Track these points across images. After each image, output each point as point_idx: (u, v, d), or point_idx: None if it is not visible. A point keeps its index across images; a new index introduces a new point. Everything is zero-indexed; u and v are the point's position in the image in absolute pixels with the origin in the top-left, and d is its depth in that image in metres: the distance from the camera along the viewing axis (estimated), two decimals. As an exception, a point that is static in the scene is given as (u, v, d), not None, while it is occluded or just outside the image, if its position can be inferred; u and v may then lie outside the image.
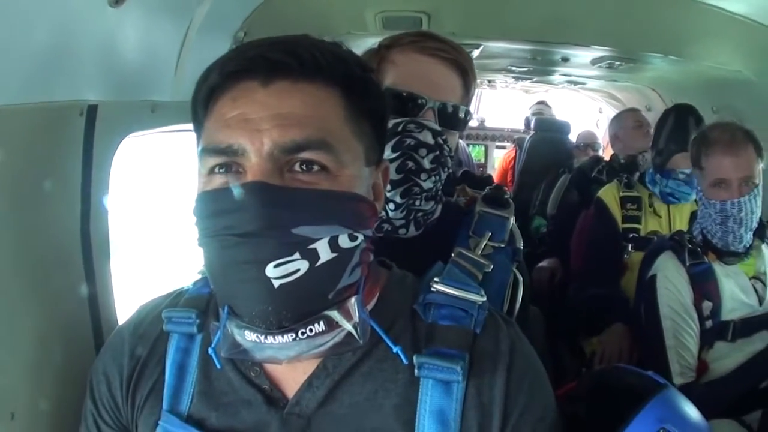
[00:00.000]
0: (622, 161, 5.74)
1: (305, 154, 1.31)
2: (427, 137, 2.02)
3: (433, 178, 2.06)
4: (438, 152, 2.05)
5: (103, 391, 1.65)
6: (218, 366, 1.53)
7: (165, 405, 1.59)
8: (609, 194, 4.88)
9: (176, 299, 1.72)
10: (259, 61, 1.34)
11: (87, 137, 1.98)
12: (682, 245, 3.57)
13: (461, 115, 2.16)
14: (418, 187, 2.05)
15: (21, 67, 1.64)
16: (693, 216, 4.60)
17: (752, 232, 3.43)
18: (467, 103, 2.20)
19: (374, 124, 1.50)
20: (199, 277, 1.77)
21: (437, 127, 2.05)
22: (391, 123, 1.91)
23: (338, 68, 1.40)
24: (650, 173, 4.76)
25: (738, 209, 3.30)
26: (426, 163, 2.03)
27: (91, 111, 1.97)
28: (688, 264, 3.51)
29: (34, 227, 1.82)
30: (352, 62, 1.47)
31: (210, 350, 1.50)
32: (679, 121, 4.45)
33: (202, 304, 1.66)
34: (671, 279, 3.52)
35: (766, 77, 4.08)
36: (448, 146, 2.09)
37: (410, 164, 2.01)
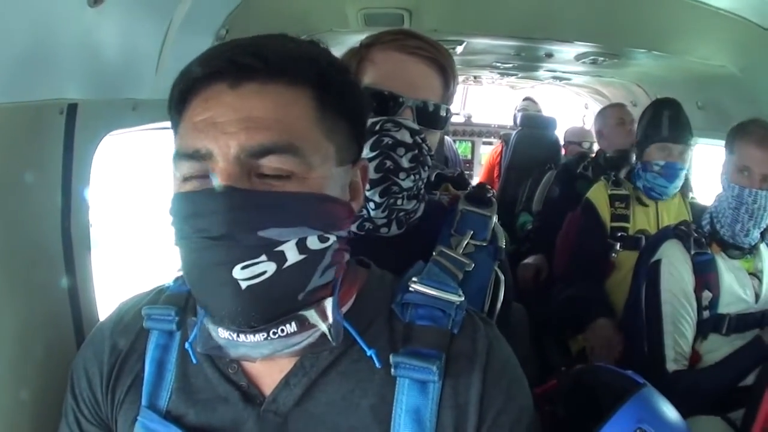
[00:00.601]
0: (608, 156, 5.76)
1: (272, 158, 1.32)
2: (405, 136, 2.03)
3: (412, 177, 2.06)
4: (417, 151, 2.05)
5: (83, 387, 1.66)
6: (194, 361, 1.55)
7: (144, 401, 1.60)
8: (598, 194, 4.86)
9: (157, 296, 1.73)
10: (226, 64, 1.34)
11: (68, 135, 1.98)
12: (688, 234, 3.61)
13: (441, 113, 2.16)
14: (397, 186, 2.05)
15: (1, 67, 1.64)
16: (683, 213, 4.66)
17: (760, 232, 3.48)
18: (447, 101, 2.21)
19: (351, 123, 1.50)
20: (179, 274, 1.75)
21: (415, 126, 2.05)
22: (369, 122, 1.91)
23: (308, 68, 1.40)
24: (636, 169, 4.78)
25: (753, 200, 3.35)
26: (404, 162, 2.03)
27: (72, 109, 1.97)
28: (692, 253, 3.55)
29: (15, 224, 1.82)
30: (323, 61, 1.46)
31: (187, 345, 1.52)
32: (655, 114, 4.50)
33: (182, 302, 1.67)
34: (676, 265, 3.55)
35: (750, 72, 4.09)
36: (427, 145, 2.09)
37: (388, 163, 2.02)
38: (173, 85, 1.44)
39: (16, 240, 1.84)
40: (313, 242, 1.37)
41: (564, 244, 5.32)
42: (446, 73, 2.16)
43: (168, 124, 1.49)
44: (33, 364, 1.88)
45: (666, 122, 4.38)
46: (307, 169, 1.35)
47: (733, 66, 4.13)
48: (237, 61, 1.33)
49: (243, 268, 1.28)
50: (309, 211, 1.36)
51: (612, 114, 6.01)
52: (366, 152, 1.95)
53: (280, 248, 1.31)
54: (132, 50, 2.32)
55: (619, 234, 4.74)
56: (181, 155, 1.35)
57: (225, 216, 1.27)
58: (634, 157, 5.22)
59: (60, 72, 1.91)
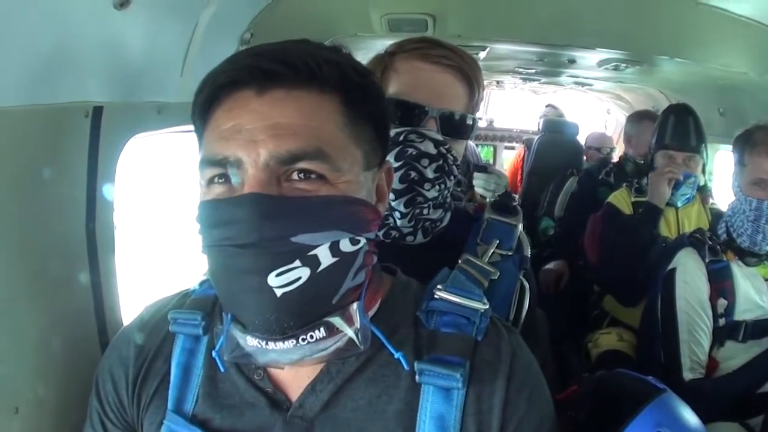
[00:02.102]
0: (638, 161, 5.70)
1: (302, 164, 1.32)
2: (429, 147, 2.02)
3: (437, 188, 2.06)
4: (441, 161, 2.04)
5: (109, 390, 1.65)
6: (222, 369, 1.54)
7: (170, 405, 1.60)
8: (620, 199, 4.85)
9: (182, 300, 1.72)
10: (251, 71, 1.34)
11: (93, 138, 1.99)
12: (702, 242, 3.58)
13: (466, 122, 2.14)
14: (422, 197, 2.05)
15: (27, 69, 1.66)
16: (703, 220, 4.62)
17: None
18: (473, 110, 2.18)
19: (375, 127, 1.50)
20: (204, 277, 1.76)
21: (439, 137, 2.04)
22: (393, 132, 1.93)
23: (333, 74, 1.40)
24: None
25: None
26: (429, 173, 2.03)
27: (97, 112, 1.98)
28: (707, 261, 3.52)
29: (41, 225, 1.84)
30: (348, 67, 1.46)
31: (214, 354, 1.51)
32: (662, 120, 4.50)
33: (208, 306, 1.66)
34: (690, 273, 3.52)
35: (771, 79, 4.08)
36: (452, 155, 2.08)
37: (413, 174, 2.02)
38: (197, 92, 1.44)
39: (42, 241, 1.85)
40: (345, 245, 1.37)
41: (591, 235, 5.23)
42: (471, 81, 2.14)
43: (192, 127, 1.48)
44: (56, 364, 1.89)
45: (670, 130, 4.39)
46: (336, 173, 1.35)
47: (755, 73, 4.11)
48: (263, 68, 1.33)
49: (278, 275, 1.29)
50: (340, 215, 1.37)
51: (649, 129, 5.79)
52: (390, 162, 1.92)
53: (313, 252, 1.32)
54: (157, 53, 2.33)
55: None
56: (208, 162, 1.35)
57: (256, 223, 1.27)
58: None
59: (86, 75, 1.92)
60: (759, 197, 3.32)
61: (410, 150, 2.00)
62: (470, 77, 2.13)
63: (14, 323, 1.75)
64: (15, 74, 1.62)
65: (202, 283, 1.75)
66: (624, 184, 4.99)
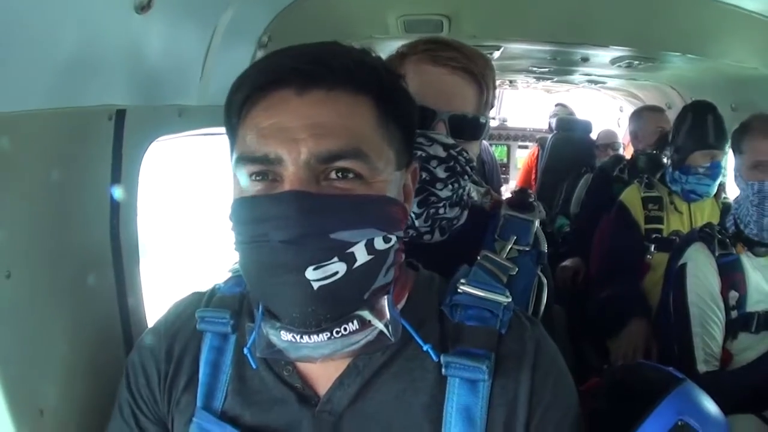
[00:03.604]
0: (649, 154, 5.70)
1: (341, 163, 1.35)
2: (438, 151, 2.04)
3: (450, 187, 2.08)
4: (452, 162, 2.06)
5: (141, 384, 1.69)
6: (254, 366, 1.56)
7: (199, 402, 1.63)
8: (631, 196, 4.87)
9: (209, 298, 1.75)
10: (292, 71, 1.36)
11: (116, 141, 2.01)
12: (711, 236, 3.60)
13: (476, 124, 2.16)
14: (435, 197, 2.07)
15: (50, 73, 1.68)
16: (723, 211, 4.66)
17: None
18: (483, 110, 2.20)
19: (404, 129, 1.53)
20: (230, 275, 1.80)
21: (448, 140, 2.06)
22: None
23: (369, 76, 1.43)
24: (669, 171, 4.77)
25: None
26: (440, 173, 2.05)
27: (120, 115, 2.00)
28: (717, 254, 3.54)
29: (65, 230, 1.86)
30: (382, 69, 1.49)
31: (245, 350, 1.53)
32: (698, 119, 4.44)
33: (236, 304, 1.69)
34: (701, 267, 3.55)
35: (783, 75, 4.09)
36: (464, 156, 2.09)
37: (424, 175, 2.03)
38: (232, 90, 1.46)
39: (67, 244, 1.88)
40: (379, 243, 1.40)
41: (599, 244, 5.33)
42: (480, 82, 2.15)
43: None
44: (82, 369, 1.91)
45: (711, 131, 4.35)
46: (373, 172, 1.39)
47: (766, 68, 4.12)
48: (303, 69, 1.36)
49: (315, 269, 1.31)
50: (375, 213, 1.40)
51: (651, 120, 5.98)
52: None
53: (350, 250, 1.35)
54: (177, 57, 2.35)
55: (654, 236, 4.75)
56: (247, 159, 1.37)
57: (297, 220, 1.30)
58: (665, 160, 5.25)
59: (108, 78, 1.95)
60: (760, 179, 3.36)
61: (419, 153, 2.02)
62: (479, 78, 2.15)
63: (39, 327, 1.77)
64: (39, 78, 1.65)
65: (227, 281, 1.78)
66: (635, 180, 5.00)
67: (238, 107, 1.44)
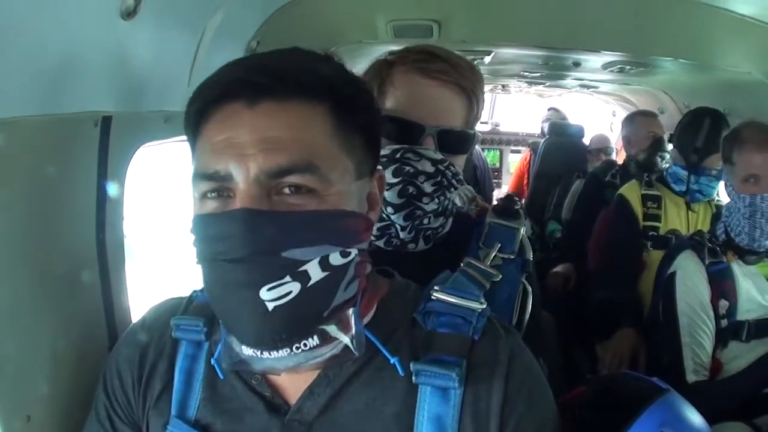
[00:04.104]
0: (640, 160, 5.71)
1: (291, 178, 1.33)
2: (426, 166, 2.03)
3: (436, 200, 2.07)
4: (439, 177, 2.05)
5: (116, 386, 1.69)
6: (221, 377, 1.57)
7: (173, 410, 1.63)
8: (631, 191, 4.91)
9: (187, 305, 1.75)
10: (241, 84, 1.36)
11: (102, 147, 2.00)
12: (702, 244, 3.61)
13: (464, 138, 2.15)
14: (421, 211, 2.06)
15: (35, 79, 1.67)
16: (713, 217, 4.71)
17: None
18: (471, 124, 2.19)
19: (365, 136, 1.51)
20: None
21: (436, 156, 2.05)
22: (390, 149, 1.97)
23: (321, 85, 1.41)
24: (673, 172, 4.82)
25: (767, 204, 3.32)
26: (427, 188, 2.03)
27: (106, 121, 2.00)
28: (707, 263, 3.54)
29: (51, 237, 1.85)
30: (336, 77, 1.47)
31: (213, 361, 1.55)
32: (716, 125, 4.50)
33: (210, 312, 1.65)
34: (690, 276, 3.55)
35: (776, 79, 4.09)
36: (451, 170, 2.08)
37: (411, 189, 2.02)
38: (188, 104, 1.46)
39: (53, 250, 1.87)
40: (335, 258, 1.38)
41: (597, 240, 5.34)
42: (470, 96, 2.14)
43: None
44: (68, 375, 1.91)
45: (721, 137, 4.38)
46: (326, 186, 1.36)
47: (759, 73, 4.12)
48: (252, 81, 1.35)
49: (269, 289, 1.30)
50: (330, 229, 1.38)
51: (643, 124, 5.96)
52: (388, 177, 1.96)
53: (303, 268, 1.33)
54: (164, 63, 2.34)
55: (651, 233, 4.79)
56: (200, 176, 1.37)
57: (247, 238, 1.29)
58: (661, 162, 5.34)
59: (94, 84, 1.93)
60: (752, 192, 3.35)
61: (407, 168, 2.01)
62: (469, 92, 2.13)
63: (25, 333, 1.76)
64: (24, 85, 1.63)
65: (204, 289, 1.77)
66: (635, 179, 5.06)
67: (193, 122, 1.45)
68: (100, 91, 1.98)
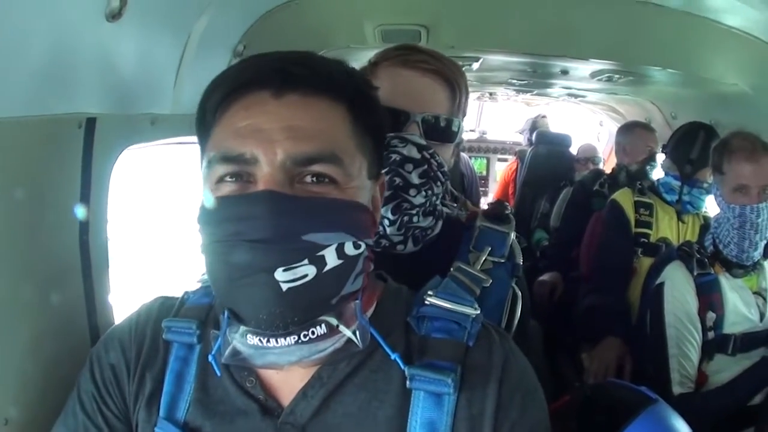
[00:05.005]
0: (632, 170, 5.75)
1: (316, 167, 1.36)
2: (412, 152, 2.04)
3: (423, 193, 2.08)
4: (426, 166, 2.06)
5: (108, 379, 1.67)
6: (218, 373, 1.56)
7: (162, 412, 1.62)
8: (624, 198, 4.93)
9: (178, 307, 1.74)
10: (273, 72, 1.38)
11: (86, 149, 1.99)
12: (690, 255, 3.62)
13: (448, 126, 2.16)
14: (408, 203, 2.06)
15: (19, 81, 1.66)
16: (702, 228, 4.72)
17: (763, 245, 3.46)
18: (456, 113, 2.21)
19: (375, 140, 1.54)
20: (199, 285, 1.80)
21: (422, 141, 2.06)
22: None
23: (346, 84, 1.45)
24: (665, 182, 4.86)
25: (757, 215, 3.35)
26: (414, 178, 2.05)
27: (90, 123, 1.99)
28: (695, 274, 3.55)
29: (34, 239, 1.84)
30: (358, 79, 1.52)
31: (210, 357, 1.53)
32: (709, 138, 4.52)
33: (203, 315, 1.68)
34: (679, 288, 3.57)
35: (761, 90, 4.11)
36: (437, 160, 2.10)
37: (398, 180, 2.03)
38: (210, 89, 1.47)
39: (35, 252, 1.86)
40: (349, 248, 1.40)
41: (589, 245, 5.36)
42: (453, 85, 2.17)
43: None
44: (48, 378, 1.90)
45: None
46: (347, 178, 1.40)
47: (745, 84, 4.14)
48: (285, 70, 1.37)
49: (285, 270, 1.31)
50: (347, 219, 1.41)
51: (643, 137, 5.96)
52: None
53: (321, 252, 1.35)
54: (150, 65, 2.33)
55: (642, 240, 4.80)
56: (222, 159, 1.37)
57: (270, 220, 1.30)
58: (652, 173, 5.37)
59: (78, 86, 1.93)
60: (741, 203, 3.38)
61: (394, 156, 2.03)
62: (452, 81, 2.17)
63: (4, 338, 1.76)
64: (7, 86, 1.62)
65: (195, 292, 1.77)
66: (627, 186, 5.08)
67: (214, 106, 1.45)
68: (85, 93, 1.97)
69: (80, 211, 2.01)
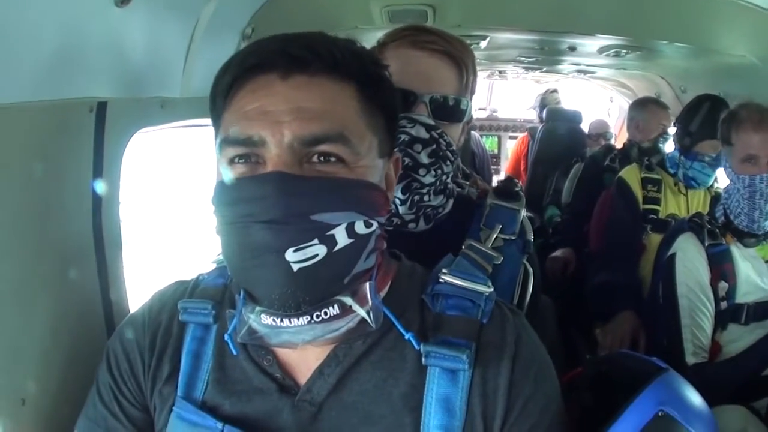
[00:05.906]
0: (644, 147, 5.73)
1: (324, 147, 1.37)
2: (421, 132, 2.05)
3: (433, 173, 2.08)
4: (435, 146, 2.07)
5: (125, 369, 1.69)
6: (234, 352, 1.57)
7: (180, 392, 1.63)
8: (631, 175, 4.91)
9: (193, 289, 1.76)
10: (278, 55, 1.39)
11: (98, 133, 2.01)
12: (701, 226, 3.60)
13: (457, 106, 2.16)
14: (418, 183, 2.07)
15: (31, 66, 1.68)
16: (712, 201, 4.71)
17: None
18: (464, 93, 2.20)
19: (386, 118, 1.55)
20: (213, 266, 1.81)
21: (430, 121, 2.07)
22: None
23: (353, 64, 1.45)
24: (672, 156, 4.83)
25: (766, 184, 3.31)
26: (423, 158, 2.05)
27: (101, 108, 2.00)
28: (706, 244, 3.54)
29: (47, 222, 1.86)
30: (366, 58, 1.52)
31: (226, 336, 1.54)
32: (714, 111, 4.43)
33: (218, 295, 1.70)
34: (690, 258, 3.54)
35: (769, 62, 4.09)
36: (445, 139, 2.10)
37: (407, 160, 2.03)
38: (220, 73, 1.48)
39: (48, 236, 1.88)
40: (360, 227, 1.41)
41: (598, 223, 5.34)
42: (460, 65, 2.17)
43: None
44: (64, 358, 1.92)
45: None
46: (355, 157, 1.40)
47: (753, 56, 4.12)
48: (290, 53, 1.38)
49: (295, 250, 1.32)
50: (357, 197, 1.41)
51: (657, 114, 5.92)
52: None
53: (331, 232, 1.36)
54: (159, 49, 2.35)
55: (650, 216, 4.78)
56: (231, 142, 1.39)
57: (279, 201, 1.31)
58: (665, 146, 5.36)
59: (89, 71, 1.94)
60: (751, 173, 3.35)
61: (402, 136, 2.03)
62: (459, 61, 2.16)
63: (21, 317, 1.78)
64: (19, 71, 1.64)
65: (210, 273, 1.79)
66: (635, 162, 5.05)
67: (224, 90, 1.46)
68: (95, 78, 1.99)
69: (93, 194, 2.03)
